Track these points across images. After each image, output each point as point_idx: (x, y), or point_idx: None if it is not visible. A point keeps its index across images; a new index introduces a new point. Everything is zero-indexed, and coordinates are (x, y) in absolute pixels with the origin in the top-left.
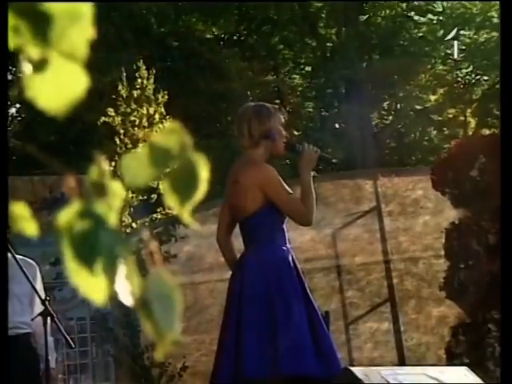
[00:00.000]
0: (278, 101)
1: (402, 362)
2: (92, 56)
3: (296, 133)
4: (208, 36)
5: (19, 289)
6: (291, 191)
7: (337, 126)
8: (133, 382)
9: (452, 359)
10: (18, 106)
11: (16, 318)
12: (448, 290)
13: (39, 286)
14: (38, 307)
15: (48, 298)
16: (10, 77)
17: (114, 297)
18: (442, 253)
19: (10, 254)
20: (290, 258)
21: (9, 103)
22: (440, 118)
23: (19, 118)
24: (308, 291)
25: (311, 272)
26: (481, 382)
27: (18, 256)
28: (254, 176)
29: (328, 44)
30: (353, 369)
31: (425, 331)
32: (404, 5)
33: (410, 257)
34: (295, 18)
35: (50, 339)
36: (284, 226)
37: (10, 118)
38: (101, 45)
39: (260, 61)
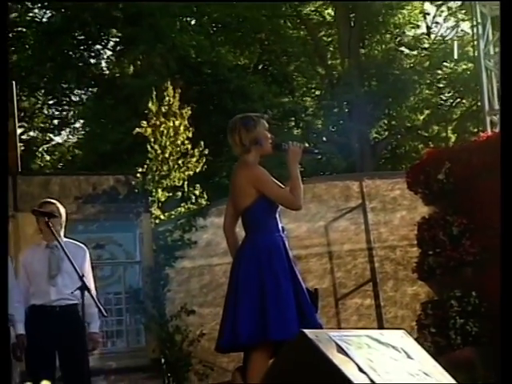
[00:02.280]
0: (292, 118)
1: (381, 329)
2: (143, 82)
3: (307, 145)
4: (236, 65)
5: (69, 267)
6: (280, 184)
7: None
8: (160, 346)
9: (422, 329)
10: (81, 121)
11: (66, 291)
12: (419, 273)
13: (88, 264)
14: (91, 283)
15: (84, 275)
16: (75, 97)
17: None
18: (415, 242)
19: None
20: (281, 243)
21: (73, 119)
22: (426, 134)
23: (83, 132)
24: (296, 271)
25: (307, 257)
26: (415, 343)
27: (68, 240)
28: (247, 177)
29: (334, 72)
30: (305, 331)
31: (400, 306)
32: (396, 40)
33: (388, 245)
34: (307, 51)
35: (95, 310)
36: (277, 216)
37: (75, 131)
38: (150, 72)
39: (278, 85)
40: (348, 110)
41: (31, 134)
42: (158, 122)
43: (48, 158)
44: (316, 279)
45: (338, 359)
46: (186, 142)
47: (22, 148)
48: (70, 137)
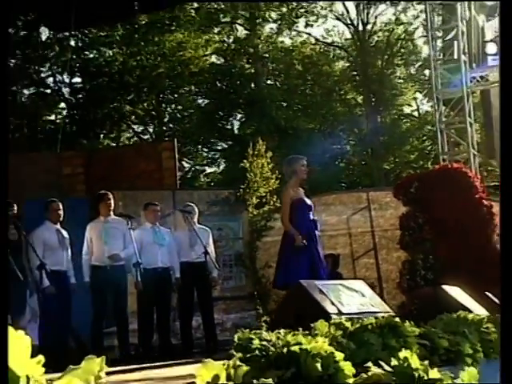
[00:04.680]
0: (339, 158)
1: (379, 277)
2: (253, 139)
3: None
4: (307, 128)
5: (199, 240)
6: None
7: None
8: (253, 285)
9: (401, 276)
10: (224, 160)
11: (199, 253)
12: (401, 245)
13: (210, 239)
14: (212, 249)
15: (208, 245)
16: (220, 147)
17: None
18: (398, 227)
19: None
20: (305, 229)
21: (219, 159)
22: (416, 166)
23: (223, 166)
24: (313, 244)
25: (336, 236)
26: (368, 287)
27: (199, 225)
28: (283, 194)
29: (363, 131)
30: (301, 281)
31: (390, 263)
32: (399, 113)
33: (383, 229)
34: (348, 120)
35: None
36: (309, 214)
37: (219, 166)
38: (258, 134)
39: (331, 139)
40: (371, 153)
41: (196, 167)
42: (252, 160)
43: (206, 180)
44: (341, 248)
45: (319, 297)
46: (268, 171)
47: (191, 175)
48: (216, 168)
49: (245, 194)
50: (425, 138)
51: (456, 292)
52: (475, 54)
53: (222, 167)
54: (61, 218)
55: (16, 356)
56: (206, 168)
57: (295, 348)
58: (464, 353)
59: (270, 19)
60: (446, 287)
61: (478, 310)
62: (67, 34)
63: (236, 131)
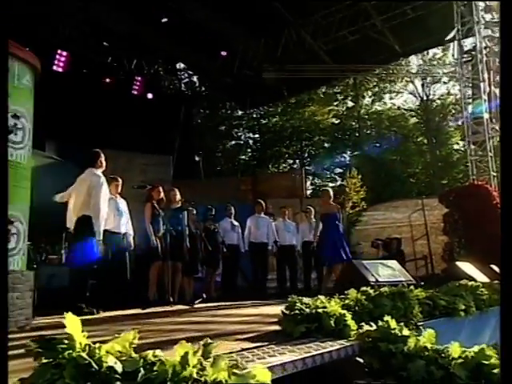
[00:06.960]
0: (411, 176)
1: (430, 252)
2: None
3: (418, 186)
4: (391, 159)
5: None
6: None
7: None
8: (350, 253)
9: (444, 251)
10: (339, 178)
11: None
12: (444, 232)
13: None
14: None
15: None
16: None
17: None
18: (442, 221)
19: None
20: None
21: (338, 178)
22: (462, 182)
23: (340, 183)
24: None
25: (402, 226)
26: (398, 264)
27: (314, 220)
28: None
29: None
30: (353, 261)
31: (437, 243)
32: (451, 149)
33: (432, 222)
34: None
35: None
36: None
37: (340, 180)
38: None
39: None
40: (433, 173)
41: (323, 183)
42: (348, 180)
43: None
44: (404, 234)
45: (363, 271)
46: (358, 186)
47: (319, 189)
48: (335, 184)
49: (344, 201)
50: (467, 164)
51: (466, 266)
52: (494, 113)
53: (338, 183)
54: (232, 215)
55: (75, 330)
56: (329, 183)
57: (320, 310)
58: (458, 308)
59: (367, 96)
60: (458, 263)
61: (481, 279)
62: (251, 110)
63: (347, 161)
